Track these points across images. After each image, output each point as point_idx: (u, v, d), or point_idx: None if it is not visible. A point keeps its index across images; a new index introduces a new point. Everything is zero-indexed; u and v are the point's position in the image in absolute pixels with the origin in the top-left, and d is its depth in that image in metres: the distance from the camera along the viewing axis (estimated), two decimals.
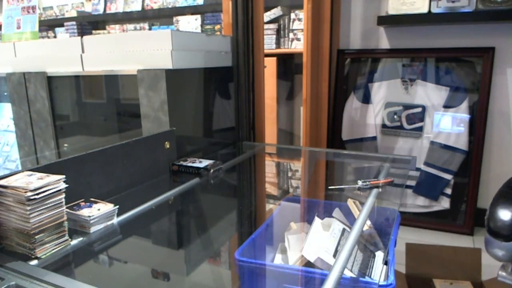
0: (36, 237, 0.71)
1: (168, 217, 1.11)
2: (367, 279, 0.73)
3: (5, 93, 1.73)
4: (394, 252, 0.99)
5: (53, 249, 0.74)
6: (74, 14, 3.43)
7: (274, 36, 2.28)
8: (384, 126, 2.03)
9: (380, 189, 1.04)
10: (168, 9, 2.97)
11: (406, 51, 1.98)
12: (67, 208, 0.78)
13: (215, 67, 1.51)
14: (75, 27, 3.22)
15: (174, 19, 2.94)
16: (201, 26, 2.84)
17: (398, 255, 1.30)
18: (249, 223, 1.11)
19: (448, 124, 1.89)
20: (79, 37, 1.43)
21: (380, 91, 2.02)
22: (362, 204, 0.95)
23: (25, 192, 0.69)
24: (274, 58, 2.20)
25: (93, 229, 0.82)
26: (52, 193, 0.73)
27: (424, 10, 1.77)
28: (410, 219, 2.04)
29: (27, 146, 1.69)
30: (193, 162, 1.25)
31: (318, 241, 0.87)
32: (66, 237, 0.77)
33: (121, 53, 1.35)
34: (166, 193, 1.09)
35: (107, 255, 0.84)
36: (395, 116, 2.00)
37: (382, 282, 0.74)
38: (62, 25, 3.33)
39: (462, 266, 1.44)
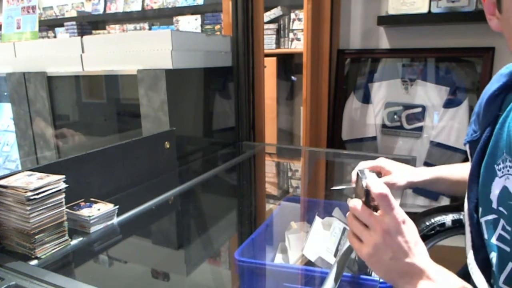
0: (36, 237, 0.71)
1: (168, 217, 1.11)
2: (367, 277, 0.73)
3: (5, 93, 1.73)
4: None
5: (53, 249, 0.74)
6: (74, 14, 3.43)
7: (274, 36, 2.28)
8: (384, 126, 2.03)
9: None
10: (168, 9, 2.97)
11: (406, 51, 1.97)
12: (67, 208, 0.78)
13: (215, 67, 1.51)
14: (75, 27, 3.22)
15: (174, 19, 2.94)
16: (201, 26, 2.84)
17: None
18: (249, 223, 1.11)
19: (448, 124, 1.89)
20: (79, 37, 1.43)
21: (380, 91, 2.02)
22: None
23: (25, 192, 0.69)
24: (274, 58, 2.20)
25: (93, 229, 0.82)
26: (52, 193, 0.73)
27: (424, 10, 1.77)
28: (410, 219, 2.03)
29: (27, 146, 1.69)
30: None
31: (319, 241, 0.87)
32: (66, 237, 0.77)
33: (121, 53, 1.35)
34: (166, 193, 1.09)
35: (107, 255, 0.84)
36: (395, 116, 2.00)
37: (382, 280, 0.74)
38: (62, 25, 3.33)
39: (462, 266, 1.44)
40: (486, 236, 0.60)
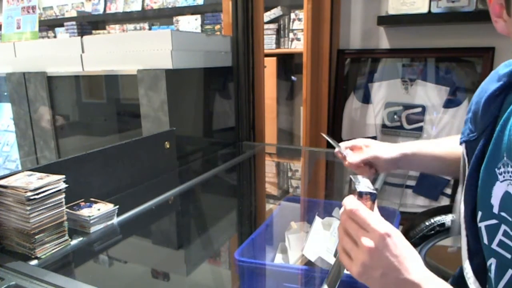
0: (36, 237, 0.71)
1: (168, 217, 1.11)
2: None
3: (5, 93, 1.73)
4: None
5: (53, 249, 0.74)
6: (74, 14, 3.43)
7: (274, 36, 2.28)
8: (384, 126, 2.03)
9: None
10: (168, 9, 2.97)
11: (406, 51, 1.97)
12: (67, 208, 0.78)
13: (215, 67, 1.51)
14: (75, 27, 3.22)
15: (174, 19, 2.94)
16: (201, 26, 2.84)
17: None
18: (249, 223, 1.11)
19: (448, 124, 1.89)
20: (79, 37, 1.43)
21: (380, 91, 2.02)
22: None
23: (25, 192, 0.69)
24: (274, 58, 2.20)
25: (93, 229, 0.82)
26: (52, 193, 0.73)
27: (424, 10, 1.77)
28: (410, 219, 2.03)
29: (27, 146, 1.69)
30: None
31: (319, 241, 0.87)
32: (66, 237, 0.77)
33: (121, 53, 1.35)
34: (166, 193, 1.09)
35: (107, 255, 0.84)
36: (395, 116, 2.00)
37: None
38: (62, 25, 3.33)
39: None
40: (485, 241, 0.59)
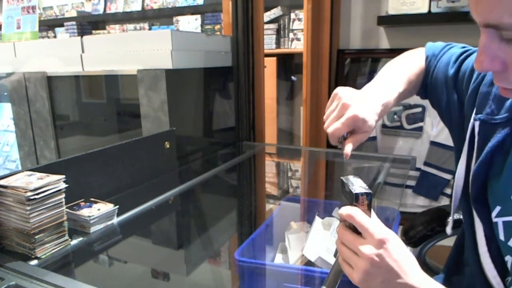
0: (36, 237, 0.71)
1: (168, 217, 1.11)
2: None
3: (5, 93, 1.73)
4: None
5: (53, 249, 0.74)
6: (74, 14, 3.43)
7: (274, 36, 2.28)
8: (384, 126, 2.03)
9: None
10: (168, 9, 2.97)
11: (406, 51, 1.98)
12: (67, 208, 0.78)
13: (215, 67, 1.51)
14: (75, 27, 3.22)
15: (174, 19, 2.94)
16: (201, 26, 2.84)
17: None
18: (249, 223, 1.11)
19: None
20: (79, 37, 1.43)
21: None
22: None
23: (25, 192, 0.69)
24: (274, 58, 2.20)
25: (93, 229, 0.82)
26: (52, 193, 0.73)
27: (424, 10, 1.77)
28: (410, 219, 2.03)
29: (27, 146, 1.69)
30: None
31: (319, 241, 0.87)
32: (66, 237, 0.77)
33: (121, 53, 1.35)
34: (166, 193, 1.09)
35: (107, 255, 0.84)
36: (395, 116, 2.00)
37: None
38: (62, 25, 3.33)
39: None
40: (502, 238, 0.58)
